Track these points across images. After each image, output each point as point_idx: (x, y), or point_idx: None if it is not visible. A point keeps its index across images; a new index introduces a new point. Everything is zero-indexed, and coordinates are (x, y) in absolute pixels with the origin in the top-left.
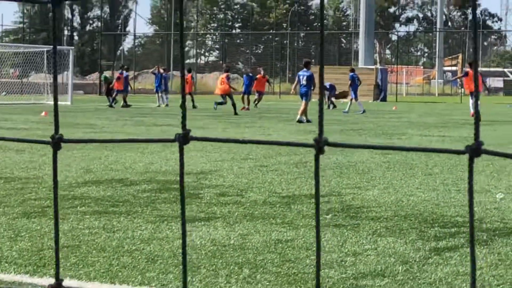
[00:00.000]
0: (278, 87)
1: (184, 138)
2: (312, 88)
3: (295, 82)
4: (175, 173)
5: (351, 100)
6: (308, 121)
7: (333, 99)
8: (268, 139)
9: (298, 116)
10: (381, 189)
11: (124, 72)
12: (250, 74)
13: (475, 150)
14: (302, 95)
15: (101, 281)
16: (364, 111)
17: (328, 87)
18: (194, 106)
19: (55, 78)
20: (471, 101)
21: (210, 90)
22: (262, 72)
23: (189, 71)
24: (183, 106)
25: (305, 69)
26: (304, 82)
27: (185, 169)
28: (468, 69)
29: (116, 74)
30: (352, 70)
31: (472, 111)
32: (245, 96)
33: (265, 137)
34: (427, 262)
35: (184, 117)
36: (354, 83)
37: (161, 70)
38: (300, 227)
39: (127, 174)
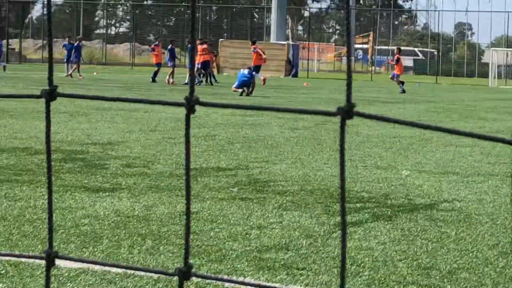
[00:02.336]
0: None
1: (50, 95)
2: None
3: None
4: (80, 143)
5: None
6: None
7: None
8: (178, 111)
9: None
10: (289, 164)
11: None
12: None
13: (346, 112)
14: None
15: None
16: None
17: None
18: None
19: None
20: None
21: (120, 61)
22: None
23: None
24: (192, 77)
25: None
26: None
27: (91, 139)
28: (398, 56)
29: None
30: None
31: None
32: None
33: (175, 109)
34: (331, 237)
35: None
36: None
37: (72, 41)
38: (206, 200)
39: (31, 143)
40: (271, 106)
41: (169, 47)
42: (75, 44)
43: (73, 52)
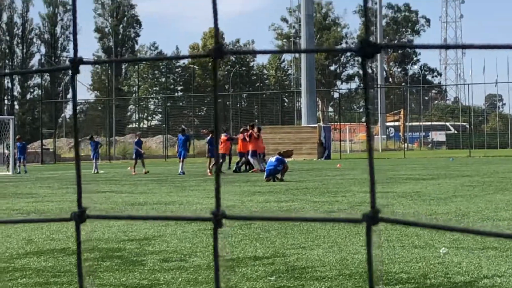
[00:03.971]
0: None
1: (80, 217)
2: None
3: None
4: (117, 240)
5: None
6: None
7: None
8: (212, 202)
9: None
10: (326, 248)
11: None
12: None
13: (372, 218)
14: None
15: None
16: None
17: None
18: (229, 168)
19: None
20: None
21: (154, 154)
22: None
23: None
24: (216, 169)
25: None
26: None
27: (128, 235)
28: None
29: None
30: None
31: None
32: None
33: (209, 200)
34: None
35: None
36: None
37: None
38: None
39: (69, 243)
40: (295, 217)
41: (208, 138)
42: (136, 140)
43: (134, 149)
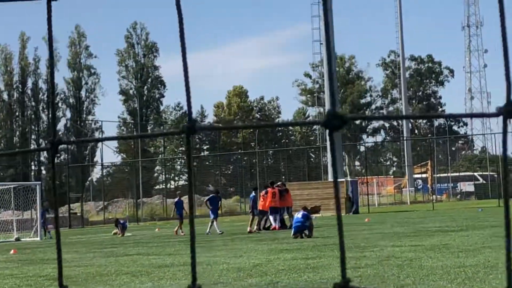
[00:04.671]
0: (250, 207)
1: None
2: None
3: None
4: None
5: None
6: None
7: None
8: (239, 261)
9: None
10: None
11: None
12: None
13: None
14: None
15: None
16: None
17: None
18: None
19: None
20: None
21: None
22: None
23: (272, 184)
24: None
25: None
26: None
27: None
28: None
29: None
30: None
31: None
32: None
33: (236, 259)
34: None
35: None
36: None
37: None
38: None
39: None
40: None
41: (252, 195)
42: (176, 200)
43: (175, 208)
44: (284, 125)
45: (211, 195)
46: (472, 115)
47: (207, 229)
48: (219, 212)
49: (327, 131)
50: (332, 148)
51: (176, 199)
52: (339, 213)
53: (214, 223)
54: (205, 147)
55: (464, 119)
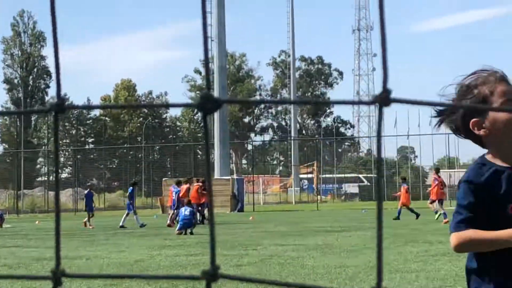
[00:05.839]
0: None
1: None
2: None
3: None
4: None
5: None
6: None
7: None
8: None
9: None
10: None
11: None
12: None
13: (212, 275)
14: None
15: None
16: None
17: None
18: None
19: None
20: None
21: (63, 208)
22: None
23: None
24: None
25: None
26: None
27: None
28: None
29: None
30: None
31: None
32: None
33: (117, 254)
34: None
35: None
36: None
37: None
38: None
39: None
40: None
41: (86, 192)
42: (86, 193)
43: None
44: (155, 106)
45: (130, 188)
46: (349, 102)
47: (137, 222)
48: (94, 207)
49: (201, 114)
50: (206, 135)
51: (86, 191)
52: (212, 212)
53: (133, 216)
54: (90, 140)
55: (351, 121)
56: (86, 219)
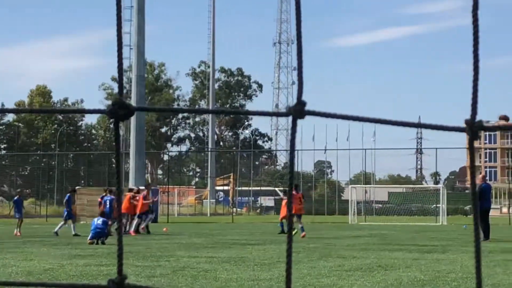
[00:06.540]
0: (45, 210)
1: None
2: None
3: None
4: None
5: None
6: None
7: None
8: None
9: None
10: None
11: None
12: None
13: (118, 284)
14: None
15: None
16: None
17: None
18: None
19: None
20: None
21: None
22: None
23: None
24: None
25: None
26: None
27: None
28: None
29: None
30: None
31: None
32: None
33: (27, 262)
34: None
35: None
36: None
37: None
38: None
39: None
40: None
41: (16, 198)
42: (15, 199)
43: (14, 206)
44: (68, 112)
45: (68, 194)
46: (263, 114)
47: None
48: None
49: (112, 120)
50: (117, 143)
51: (15, 198)
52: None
53: (68, 224)
54: (2, 146)
55: (269, 134)
56: (18, 228)
